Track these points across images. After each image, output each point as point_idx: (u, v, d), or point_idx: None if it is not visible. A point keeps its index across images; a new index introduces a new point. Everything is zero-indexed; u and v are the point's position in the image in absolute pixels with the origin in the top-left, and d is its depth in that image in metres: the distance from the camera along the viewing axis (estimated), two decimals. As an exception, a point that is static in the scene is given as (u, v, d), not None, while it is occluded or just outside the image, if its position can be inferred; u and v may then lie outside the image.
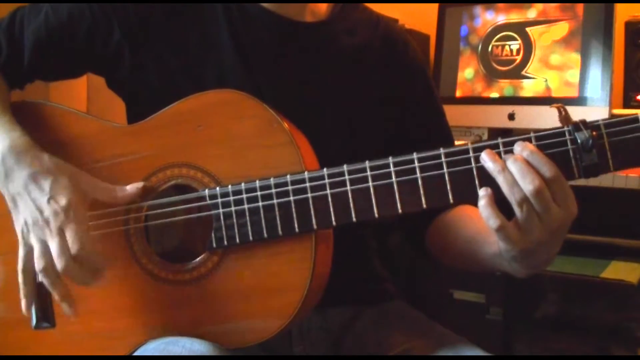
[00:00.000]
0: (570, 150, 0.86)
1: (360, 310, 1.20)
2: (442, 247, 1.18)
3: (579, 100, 1.96)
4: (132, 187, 1.01)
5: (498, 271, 1.01)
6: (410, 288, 1.34)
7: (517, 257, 0.90)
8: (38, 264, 0.96)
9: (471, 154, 0.88)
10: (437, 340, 1.09)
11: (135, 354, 1.02)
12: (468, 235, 1.09)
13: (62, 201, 0.95)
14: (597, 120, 0.85)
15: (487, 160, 0.87)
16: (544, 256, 0.91)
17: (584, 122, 0.86)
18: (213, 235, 0.98)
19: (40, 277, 0.97)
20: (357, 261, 1.21)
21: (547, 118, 1.89)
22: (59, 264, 0.94)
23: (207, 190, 0.98)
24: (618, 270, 1.86)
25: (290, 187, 0.95)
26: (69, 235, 0.94)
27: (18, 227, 0.99)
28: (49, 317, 1.06)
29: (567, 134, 0.86)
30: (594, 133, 0.85)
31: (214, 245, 0.98)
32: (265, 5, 1.13)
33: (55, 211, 0.95)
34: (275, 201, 0.95)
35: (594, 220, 1.84)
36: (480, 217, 1.10)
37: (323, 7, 1.18)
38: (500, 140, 0.88)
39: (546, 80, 2.04)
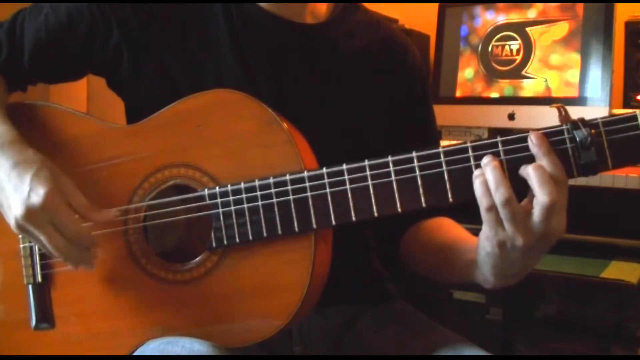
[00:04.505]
0: (569, 149, 0.86)
1: (360, 310, 1.20)
2: (416, 253, 1.19)
3: (579, 100, 1.96)
4: (108, 212, 1.01)
5: (468, 281, 1.01)
6: (411, 288, 1.34)
7: (495, 258, 0.90)
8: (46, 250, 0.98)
9: (470, 153, 0.88)
10: (437, 340, 1.09)
11: (135, 354, 1.01)
12: (445, 242, 1.10)
13: (41, 192, 0.93)
14: (596, 119, 0.85)
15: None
16: (519, 266, 0.91)
17: (582, 120, 0.85)
18: (213, 235, 0.98)
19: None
20: (357, 261, 1.21)
21: (547, 118, 1.88)
22: (57, 252, 0.96)
23: (206, 190, 0.98)
24: (618, 270, 1.86)
25: (289, 187, 0.94)
26: (57, 223, 0.94)
27: (11, 223, 0.98)
28: (48, 318, 1.06)
29: (565, 132, 0.86)
30: (593, 131, 0.84)
31: (214, 245, 0.98)
32: (264, 5, 1.13)
33: (34, 203, 0.93)
34: (274, 200, 0.95)
35: (594, 220, 1.85)
36: (457, 226, 1.12)
37: (323, 9, 1.17)
38: (499, 139, 0.87)
39: (546, 80, 2.04)
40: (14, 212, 0.95)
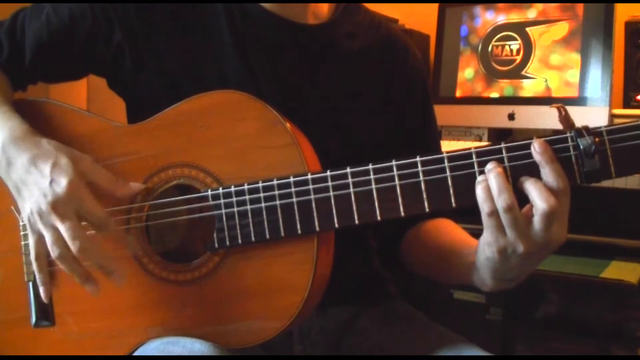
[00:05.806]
0: (573, 156, 0.86)
1: (361, 310, 1.20)
2: (416, 254, 1.20)
3: (579, 100, 1.96)
4: (135, 185, 1.01)
5: (466, 283, 1.02)
6: (411, 288, 1.34)
7: (495, 263, 0.90)
8: (53, 251, 0.95)
9: (474, 159, 0.88)
10: (437, 340, 1.09)
11: (136, 353, 1.02)
12: (445, 244, 1.11)
13: (63, 182, 0.94)
14: (600, 127, 0.85)
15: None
16: (517, 271, 0.91)
17: (586, 128, 0.85)
18: (215, 235, 0.98)
19: (59, 264, 0.96)
20: (357, 261, 1.21)
21: (547, 118, 1.90)
22: (74, 246, 0.93)
23: (209, 191, 0.98)
24: (618, 270, 1.86)
25: (293, 189, 0.94)
26: (84, 212, 0.94)
27: (25, 216, 0.98)
28: (49, 316, 1.06)
29: (569, 139, 0.86)
30: (597, 139, 0.85)
31: (216, 245, 0.98)
32: (266, 6, 1.13)
33: (58, 194, 0.94)
34: (278, 202, 0.95)
35: (594, 220, 1.85)
36: (457, 229, 1.12)
37: (325, 10, 1.18)
38: (503, 145, 0.88)
39: (546, 80, 2.04)
40: (39, 204, 0.95)
